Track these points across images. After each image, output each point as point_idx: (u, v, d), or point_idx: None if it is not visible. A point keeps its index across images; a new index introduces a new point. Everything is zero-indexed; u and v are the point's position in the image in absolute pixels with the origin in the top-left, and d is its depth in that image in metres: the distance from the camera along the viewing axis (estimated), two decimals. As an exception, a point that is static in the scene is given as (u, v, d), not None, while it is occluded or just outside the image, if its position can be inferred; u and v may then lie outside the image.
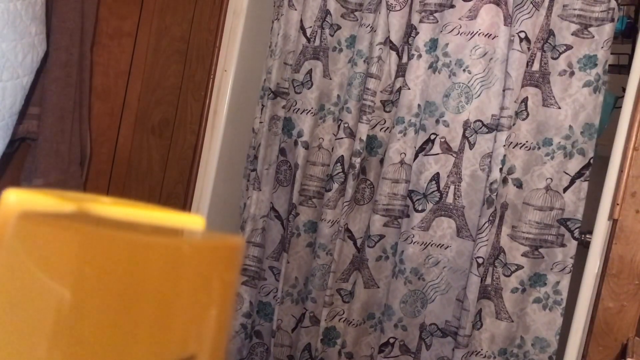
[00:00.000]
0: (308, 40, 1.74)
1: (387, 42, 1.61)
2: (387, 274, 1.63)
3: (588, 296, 1.27)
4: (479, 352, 1.49)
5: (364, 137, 1.63)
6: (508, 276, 1.48)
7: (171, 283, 0.26)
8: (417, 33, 1.57)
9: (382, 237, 1.62)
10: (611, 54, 1.48)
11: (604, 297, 1.21)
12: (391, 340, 1.58)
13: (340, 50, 1.73)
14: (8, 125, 1.24)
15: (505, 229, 1.48)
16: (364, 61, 1.65)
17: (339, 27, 1.72)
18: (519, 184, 1.47)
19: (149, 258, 0.25)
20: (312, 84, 1.74)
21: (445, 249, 1.52)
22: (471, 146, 1.48)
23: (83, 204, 0.27)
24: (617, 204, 1.21)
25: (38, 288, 0.23)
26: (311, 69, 1.74)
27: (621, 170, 1.21)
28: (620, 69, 1.49)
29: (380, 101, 1.65)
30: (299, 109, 1.75)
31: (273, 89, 1.79)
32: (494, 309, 1.49)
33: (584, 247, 1.40)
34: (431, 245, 1.53)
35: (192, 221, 0.31)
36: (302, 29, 1.74)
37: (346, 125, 1.67)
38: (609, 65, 1.52)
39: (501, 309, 1.48)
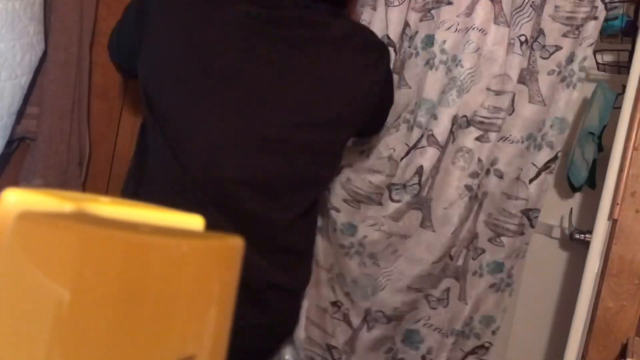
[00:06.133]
0: None
1: (385, 38, 1.61)
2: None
3: (588, 296, 1.26)
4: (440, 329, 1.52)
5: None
6: (474, 260, 1.50)
7: (171, 283, 0.26)
8: (414, 30, 1.57)
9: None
10: (611, 51, 1.49)
11: (604, 297, 1.21)
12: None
13: None
14: (7, 125, 1.24)
15: (482, 216, 1.49)
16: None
17: None
18: (499, 175, 1.48)
19: (148, 258, 0.25)
20: None
21: (407, 238, 1.51)
22: (455, 140, 1.49)
23: (82, 204, 0.26)
24: (617, 204, 1.20)
25: (38, 288, 0.23)
26: None
27: (621, 170, 1.21)
28: (621, 69, 1.49)
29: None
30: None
31: None
32: (458, 291, 1.52)
33: (583, 247, 1.40)
34: (395, 236, 1.51)
35: (192, 221, 0.30)
36: None
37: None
38: (609, 63, 1.53)
39: (464, 290, 1.51)
